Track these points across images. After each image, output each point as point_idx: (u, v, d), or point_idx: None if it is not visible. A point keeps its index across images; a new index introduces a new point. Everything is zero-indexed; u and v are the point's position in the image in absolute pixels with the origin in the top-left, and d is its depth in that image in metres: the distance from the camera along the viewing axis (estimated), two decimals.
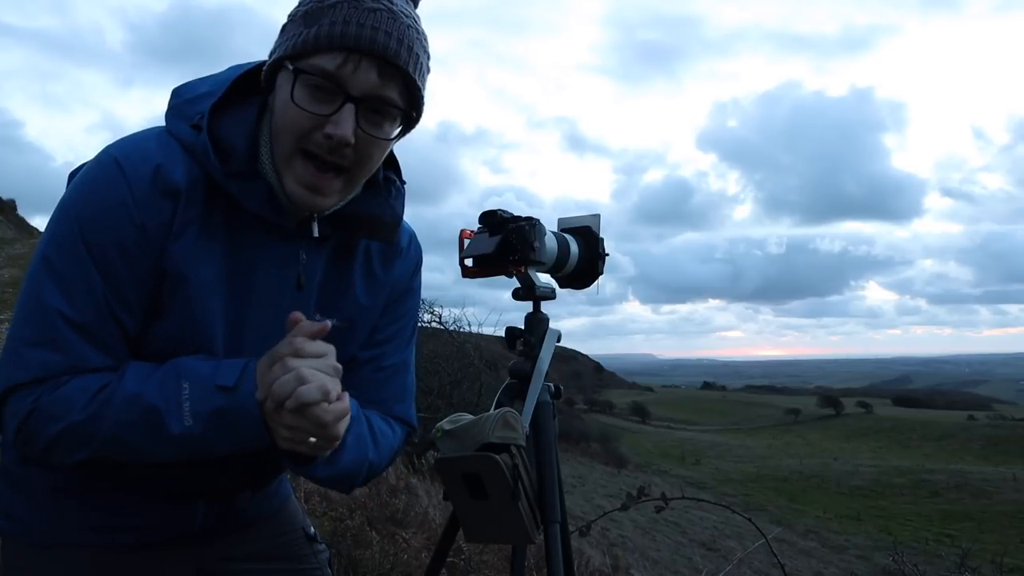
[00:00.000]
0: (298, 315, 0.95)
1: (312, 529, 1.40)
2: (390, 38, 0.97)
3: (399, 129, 1.05)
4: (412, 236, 1.28)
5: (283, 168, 1.01)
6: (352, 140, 0.98)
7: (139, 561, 1.13)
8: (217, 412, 0.95)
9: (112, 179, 0.97)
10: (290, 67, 0.98)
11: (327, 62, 0.96)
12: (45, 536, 1.09)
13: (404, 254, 1.25)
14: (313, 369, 0.91)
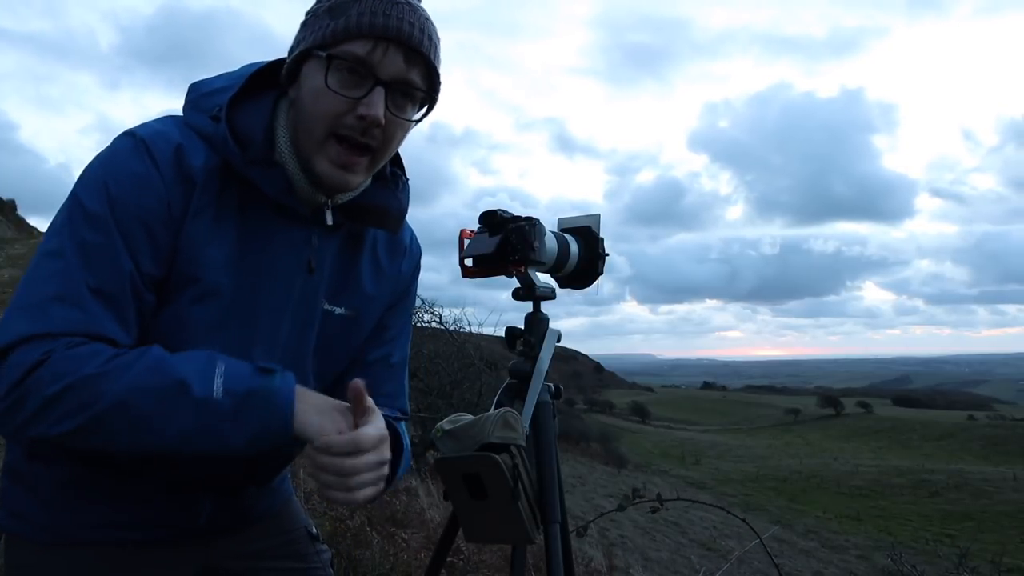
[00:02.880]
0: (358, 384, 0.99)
1: (314, 529, 1.40)
2: (413, 27, 1.05)
3: (421, 112, 1.12)
4: (413, 235, 1.34)
5: (314, 152, 1.07)
6: (383, 120, 1.04)
7: (144, 558, 1.14)
8: (250, 392, 0.95)
9: (139, 157, 1.01)
10: (322, 55, 1.04)
11: (358, 48, 1.03)
12: (51, 533, 1.09)
13: (408, 252, 1.31)
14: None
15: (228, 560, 1.25)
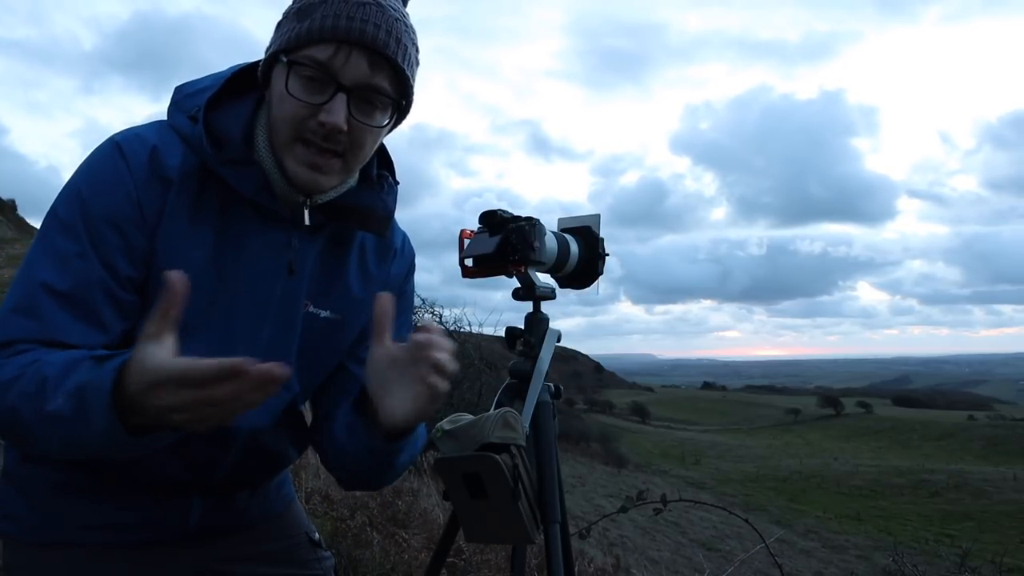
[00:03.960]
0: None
1: (316, 535, 1.39)
2: (379, 30, 1.02)
3: (390, 118, 1.09)
4: (405, 238, 1.32)
5: (284, 154, 1.06)
6: (345, 127, 1.02)
7: (137, 560, 1.13)
8: (81, 387, 0.85)
9: (112, 160, 1.02)
10: (284, 59, 1.02)
11: (319, 53, 1.01)
12: (43, 535, 1.09)
13: (398, 255, 1.29)
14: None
15: (223, 564, 1.23)
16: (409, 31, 1.07)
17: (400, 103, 1.08)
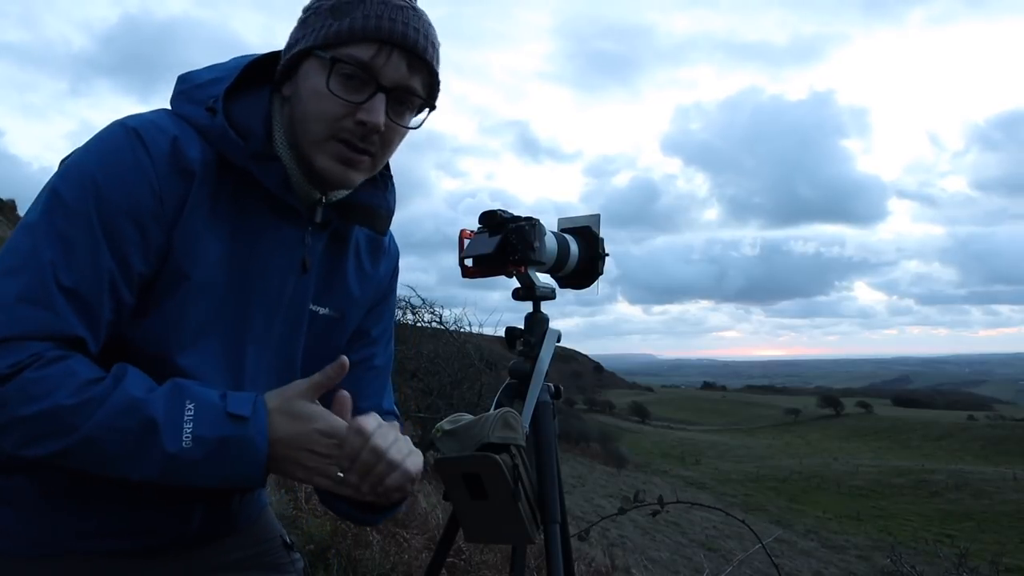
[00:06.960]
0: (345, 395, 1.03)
1: (289, 537, 1.37)
2: (418, 33, 1.03)
3: (419, 118, 1.11)
4: (391, 236, 1.32)
5: (314, 150, 1.04)
6: (383, 128, 1.03)
7: (134, 568, 1.09)
8: (222, 440, 0.92)
9: (132, 148, 0.96)
10: (326, 56, 1.01)
11: (361, 52, 1.01)
12: (37, 547, 1.03)
13: (387, 253, 1.29)
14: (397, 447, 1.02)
15: (207, 571, 1.19)
16: (436, 35, 1.08)
17: (430, 104, 1.10)
